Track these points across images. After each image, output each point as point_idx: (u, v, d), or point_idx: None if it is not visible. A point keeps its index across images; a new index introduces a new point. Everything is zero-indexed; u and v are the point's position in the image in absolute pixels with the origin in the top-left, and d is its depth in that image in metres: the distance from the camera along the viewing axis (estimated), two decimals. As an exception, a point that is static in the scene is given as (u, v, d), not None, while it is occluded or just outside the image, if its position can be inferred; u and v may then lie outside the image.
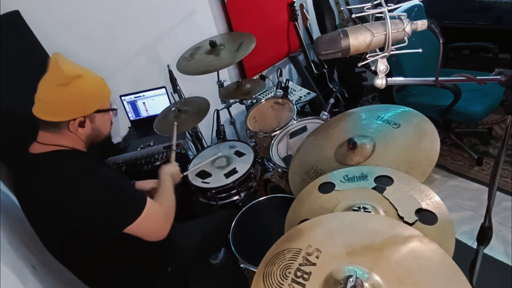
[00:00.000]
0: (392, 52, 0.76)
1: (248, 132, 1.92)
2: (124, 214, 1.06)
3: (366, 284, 0.69)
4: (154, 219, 1.13)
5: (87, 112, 1.08)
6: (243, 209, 1.50)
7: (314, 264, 0.77)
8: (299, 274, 0.76)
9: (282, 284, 0.76)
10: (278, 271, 0.79)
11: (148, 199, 1.13)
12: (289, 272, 0.77)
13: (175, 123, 1.70)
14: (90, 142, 1.15)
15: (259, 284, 0.78)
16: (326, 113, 1.73)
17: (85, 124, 1.09)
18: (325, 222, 0.88)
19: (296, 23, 2.82)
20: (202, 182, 1.69)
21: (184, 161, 1.89)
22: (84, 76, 1.06)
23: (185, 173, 1.60)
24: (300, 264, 0.78)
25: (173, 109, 1.85)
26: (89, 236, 1.06)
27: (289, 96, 2.22)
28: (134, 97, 2.14)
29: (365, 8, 0.74)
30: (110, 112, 1.18)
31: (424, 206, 0.91)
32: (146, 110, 2.18)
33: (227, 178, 1.67)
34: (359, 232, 0.82)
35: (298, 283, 0.75)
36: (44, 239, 1.12)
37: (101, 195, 1.03)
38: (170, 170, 1.44)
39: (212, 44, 1.87)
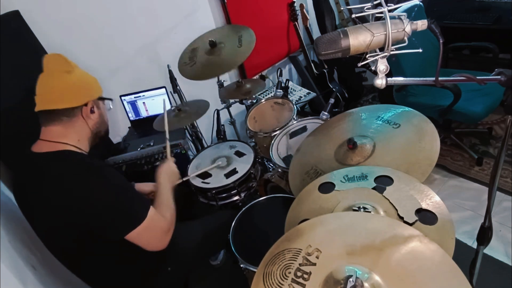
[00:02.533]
0: (392, 52, 0.76)
1: (248, 132, 1.92)
2: (128, 218, 1.06)
3: (366, 284, 0.69)
4: (155, 230, 1.12)
5: (95, 96, 1.16)
6: (243, 209, 1.50)
7: (314, 264, 0.77)
8: (299, 274, 0.76)
9: (282, 284, 0.76)
10: (278, 271, 0.79)
11: (151, 208, 1.12)
12: (289, 272, 0.77)
13: (164, 99, 1.59)
14: (96, 132, 1.19)
15: (259, 284, 0.78)
16: (326, 113, 1.73)
17: (94, 110, 1.15)
18: (325, 222, 0.88)
19: (296, 23, 2.82)
20: (202, 182, 1.69)
21: (184, 161, 1.90)
22: (78, 67, 1.15)
23: (184, 179, 1.56)
24: (300, 264, 0.78)
25: (172, 108, 1.85)
26: (96, 236, 1.05)
27: (289, 96, 2.22)
28: (134, 97, 2.14)
29: (365, 8, 0.74)
30: (106, 103, 1.26)
31: (424, 206, 0.91)
32: (146, 110, 2.18)
33: (227, 178, 1.67)
34: (359, 232, 0.82)
35: (298, 283, 0.75)
36: (46, 242, 1.12)
37: (111, 193, 1.04)
38: (168, 172, 1.37)
39: (212, 44, 1.87)
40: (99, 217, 1.02)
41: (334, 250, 0.78)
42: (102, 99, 1.22)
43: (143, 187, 1.52)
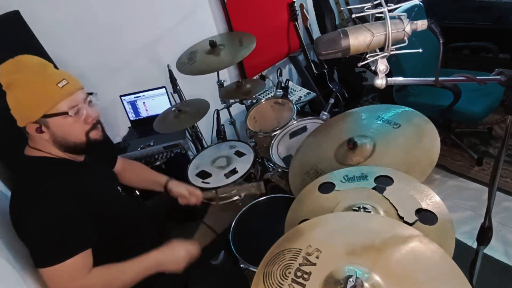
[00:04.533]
0: (392, 52, 0.76)
1: (248, 132, 1.92)
2: (37, 253, 0.99)
3: (366, 284, 0.69)
4: (62, 282, 0.99)
5: (32, 118, 1.00)
6: (243, 209, 1.50)
7: (314, 264, 0.77)
8: (299, 274, 0.76)
9: (282, 284, 0.76)
10: (278, 271, 0.79)
11: (78, 257, 0.99)
12: (289, 272, 0.77)
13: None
14: (64, 148, 1.07)
15: (259, 284, 0.78)
16: (326, 113, 1.73)
17: (42, 130, 1.02)
18: (325, 222, 0.88)
19: (296, 23, 2.82)
20: (202, 182, 1.69)
21: (184, 161, 1.90)
22: (20, 80, 0.98)
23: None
24: (300, 264, 0.78)
25: (173, 109, 1.85)
26: None
27: (289, 96, 2.22)
28: (134, 97, 2.14)
29: (365, 8, 0.74)
30: (73, 115, 1.03)
31: (424, 206, 0.91)
32: (146, 110, 2.18)
33: (227, 178, 1.67)
34: (359, 232, 0.82)
35: (298, 283, 0.75)
36: None
37: (36, 222, 0.98)
38: (176, 256, 1.19)
39: (212, 44, 1.87)
40: (25, 237, 1.01)
41: (334, 250, 0.78)
42: (52, 116, 1.01)
43: (176, 187, 1.46)
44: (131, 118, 2.21)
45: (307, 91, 2.57)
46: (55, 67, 1.10)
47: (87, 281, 1.02)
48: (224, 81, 2.17)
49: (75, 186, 1.06)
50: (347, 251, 0.77)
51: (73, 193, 1.04)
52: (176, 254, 1.19)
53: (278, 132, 1.77)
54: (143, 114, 2.20)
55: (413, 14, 2.00)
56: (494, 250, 1.72)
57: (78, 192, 1.05)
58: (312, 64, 2.86)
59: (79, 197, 1.04)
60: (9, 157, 1.38)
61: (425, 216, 0.89)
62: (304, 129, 1.74)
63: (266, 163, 2.03)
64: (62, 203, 1.01)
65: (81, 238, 1.03)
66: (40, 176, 1.04)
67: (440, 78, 0.79)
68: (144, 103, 2.16)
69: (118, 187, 1.33)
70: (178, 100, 2.04)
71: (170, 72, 1.91)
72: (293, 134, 1.74)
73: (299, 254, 0.80)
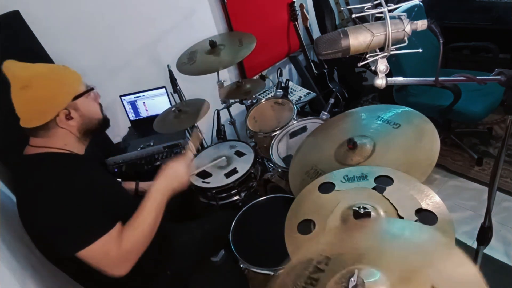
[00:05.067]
0: (392, 52, 0.77)
1: (248, 132, 1.92)
2: (68, 238, 0.98)
3: (368, 284, 0.69)
4: (107, 256, 0.98)
5: (65, 103, 1.04)
6: (243, 209, 1.50)
7: (323, 271, 0.76)
8: (308, 281, 0.75)
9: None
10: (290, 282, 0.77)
11: (113, 231, 1.00)
12: (300, 281, 0.76)
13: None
14: (85, 130, 1.12)
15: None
16: (326, 113, 1.73)
17: (71, 115, 1.06)
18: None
19: (296, 23, 2.82)
20: (203, 182, 1.69)
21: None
22: (42, 71, 1.04)
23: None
24: (310, 273, 0.77)
25: (173, 109, 1.85)
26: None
27: (289, 96, 2.22)
28: (134, 97, 2.14)
29: (365, 8, 0.74)
30: (91, 93, 1.13)
31: (424, 206, 0.91)
32: (146, 110, 2.18)
33: (227, 178, 1.67)
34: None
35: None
36: (37, 247, 1.10)
37: (56, 211, 0.97)
38: (172, 175, 1.19)
39: (212, 44, 1.87)
40: (41, 232, 1.00)
41: (342, 254, 0.77)
42: (80, 95, 1.08)
43: (145, 187, 1.51)
44: (131, 118, 2.21)
45: (307, 91, 2.57)
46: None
47: (125, 245, 1.01)
48: (224, 81, 2.16)
49: (83, 176, 1.07)
50: (353, 253, 0.76)
51: (84, 181, 1.05)
52: (176, 171, 1.21)
53: (278, 132, 1.77)
54: (143, 114, 2.20)
55: (413, 14, 1.99)
56: (494, 250, 1.72)
57: (88, 182, 1.07)
58: (312, 64, 2.86)
59: (91, 187, 1.06)
60: (10, 157, 1.38)
61: (425, 216, 0.88)
62: (304, 129, 1.74)
63: (266, 163, 2.03)
64: (80, 189, 1.02)
65: (110, 216, 1.04)
66: (48, 168, 1.04)
67: (440, 78, 0.79)
68: (144, 103, 2.16)
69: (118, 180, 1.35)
70: (178, 100, 2.04)
71: (170, 72, 1.91)
72: (293, 134, 1.74)
73: (311, 263, 0.79)
